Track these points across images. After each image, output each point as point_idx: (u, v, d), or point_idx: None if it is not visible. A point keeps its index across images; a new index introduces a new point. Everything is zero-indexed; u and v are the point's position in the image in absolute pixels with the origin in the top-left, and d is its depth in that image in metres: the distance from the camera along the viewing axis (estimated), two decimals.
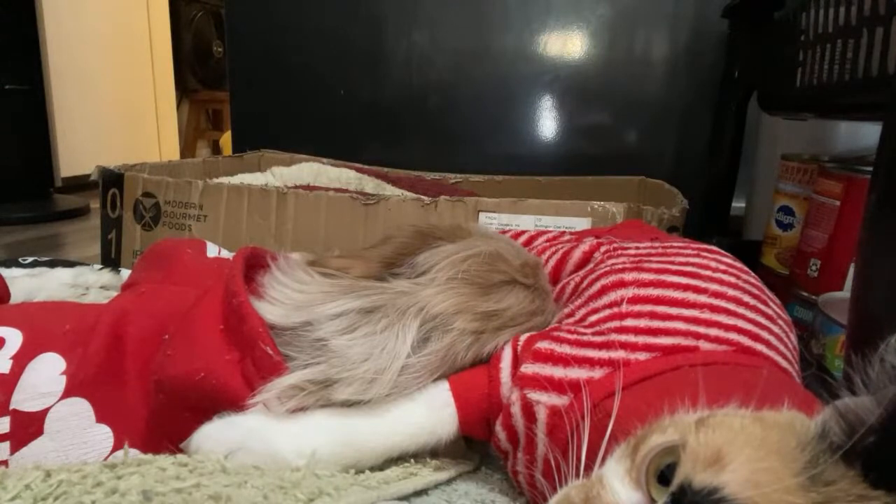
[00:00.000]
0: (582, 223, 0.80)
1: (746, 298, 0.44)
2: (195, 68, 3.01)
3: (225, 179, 1.04)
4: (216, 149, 3.04)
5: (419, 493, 0.43)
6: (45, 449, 0.42)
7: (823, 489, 0.23)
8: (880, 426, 0.23)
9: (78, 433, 0.43)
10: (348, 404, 0.42)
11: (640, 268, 0.46)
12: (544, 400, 0.40)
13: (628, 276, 0.46)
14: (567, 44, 1.35)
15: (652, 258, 0.48)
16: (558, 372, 0.40)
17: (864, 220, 0.47)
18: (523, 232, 0.65)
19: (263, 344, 0.42)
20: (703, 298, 0.43)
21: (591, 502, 0.29)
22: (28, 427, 0.42)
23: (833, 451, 0.24)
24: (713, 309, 0.42)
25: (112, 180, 0.93)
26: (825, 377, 0.64)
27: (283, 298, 0.46)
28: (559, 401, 0.39)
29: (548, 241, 0.61)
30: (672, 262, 0.46)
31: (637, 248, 0.51)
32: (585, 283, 0.49)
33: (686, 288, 0.43)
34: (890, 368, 0.24)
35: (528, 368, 0.42)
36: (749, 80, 1.04)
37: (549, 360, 0.41)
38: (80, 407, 0.44)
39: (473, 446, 0.49)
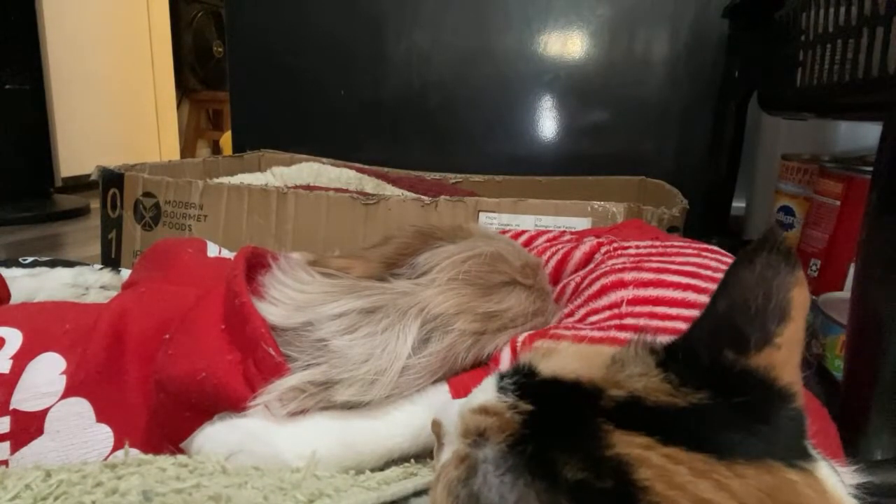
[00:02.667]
0: (582, 223, 0.80)
1: None
2: (195, 68, 3.01)
3: (225, 179, 1.04)
4: (216, 149, 3.04)
5: (419, 493, 0.43)
6: (45, 449, 0.42)
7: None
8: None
9: (78, 433, 0.43)
10: (348, 406, 0.42)
11: (640, 267, 0.46)
12: None
13: (628, 276, 0.46)
14: (567, 44, 1.35)
15: (652, 258, 0.48)
16: None
17: (864, 220, 0.47)
18: (523, 232, 0.65)
19: (266, 345, 0.42)
20: (703, 298, 0.42)
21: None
22: (28, 427, 0.42)
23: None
24: None
25: (112, 180, 0.93)
26: (825, 377, 0.64)
27: (284, 298, 0.46)
28: None
29: (548, 241, 0.61)
30: (672, 262, 0.46)
31: (637, 247, 0.51)
32: (585, 283, 0.49)
33: (686, 288, 0.43)
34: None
35: None
36: (749, 80, 1.04)
37: None
38: (81, 407, 0.44)
39: None
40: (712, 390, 0.24)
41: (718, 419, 0.23)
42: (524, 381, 0.27)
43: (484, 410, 0.27)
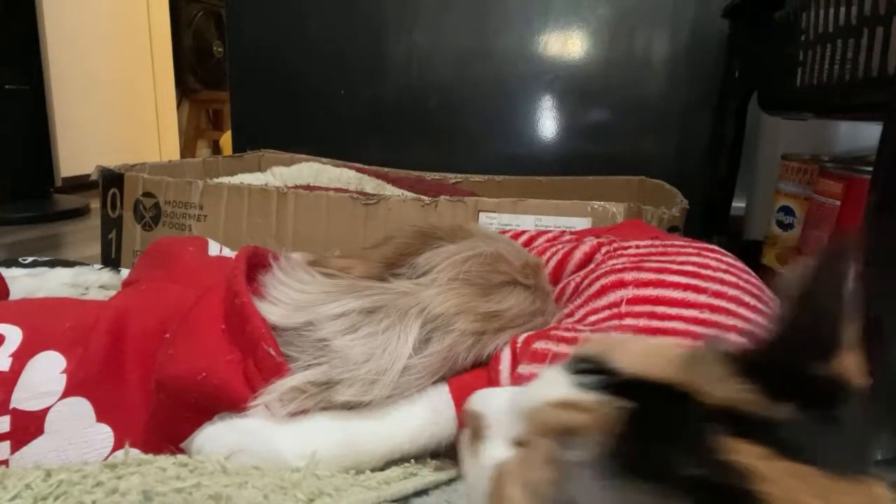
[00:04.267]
0: (582, 223, 0.80)
1: (747, 298, 0.44)
2: (195, 68, 3.00)
3: (225, 179, 1.04)
4: (216, 149, 3.04)
5: (419, 493, 0.43)
6: (45, 448, 0.42)
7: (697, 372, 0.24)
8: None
9: (78, 432, 0.43)
10: (349, 406, 0.42)
11: (640, 267, 0.46)
12: None
13: (628, 276, 0.46)
14: (567, 44, 1.35)
15: (652, 257, 0.48)
16: None
17: (864, 220, 0.47)
18: (523, 232, 0.65)
19: (266, 345, 0.42)
20: (703, 298, 0.42)
21: None
22: (28, 426, 0.42)
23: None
24: (713, 309, 0.42)
25: (112, 180, 0.93)
26: None
27: (285, 298, 0.46)
28: None
29: (548, 241, 0.61)
30: (672, 262, 0.46)
31: (637, 246, 0.51)
32: (585, 283, 0.49)
33: (686, 287, 0.43)
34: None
35: (526, 369, 0.42)
36: (749, 80, 1.04)
37: (546, 360, 0.41)
38: (81, 406, 0.43)
39: None
40: (803, 402, 0.23)
41: (816, 433, 0.22)
42: (607, 379, 0.25)
43: (571, 406, 0.25)
